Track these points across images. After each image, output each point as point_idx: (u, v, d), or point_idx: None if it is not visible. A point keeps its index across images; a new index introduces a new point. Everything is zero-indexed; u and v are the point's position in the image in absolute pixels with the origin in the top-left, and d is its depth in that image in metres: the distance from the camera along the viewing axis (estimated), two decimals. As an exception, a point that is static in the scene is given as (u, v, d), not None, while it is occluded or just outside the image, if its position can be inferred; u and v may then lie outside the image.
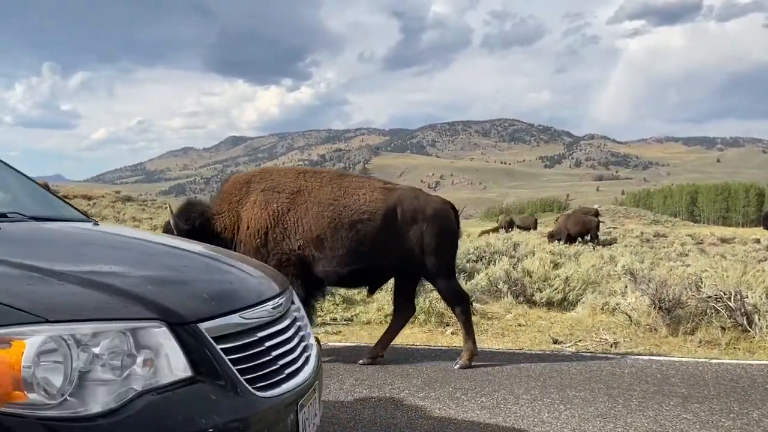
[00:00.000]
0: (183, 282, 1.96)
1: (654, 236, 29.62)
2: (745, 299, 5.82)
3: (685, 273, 8.89)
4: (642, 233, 30.92)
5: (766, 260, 18.71)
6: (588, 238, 23.43)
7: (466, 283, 7.90)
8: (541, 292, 8.03)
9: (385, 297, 7.16)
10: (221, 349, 1.70)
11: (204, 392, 1.63)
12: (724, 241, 28.00)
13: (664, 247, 22.80)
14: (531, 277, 8.54)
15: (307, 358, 2.07)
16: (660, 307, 6.18)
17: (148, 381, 1.56)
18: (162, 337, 1.61)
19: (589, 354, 5.10)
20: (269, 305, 1.98)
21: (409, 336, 5.94)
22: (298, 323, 2.14)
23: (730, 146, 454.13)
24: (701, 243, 26.93)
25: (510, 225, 37.17)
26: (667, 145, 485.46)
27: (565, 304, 7.97)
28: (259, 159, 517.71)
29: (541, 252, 12.79)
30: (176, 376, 1.61)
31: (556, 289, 8.23)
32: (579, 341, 5.77)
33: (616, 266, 11.07)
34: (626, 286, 7.77)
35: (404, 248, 4.64)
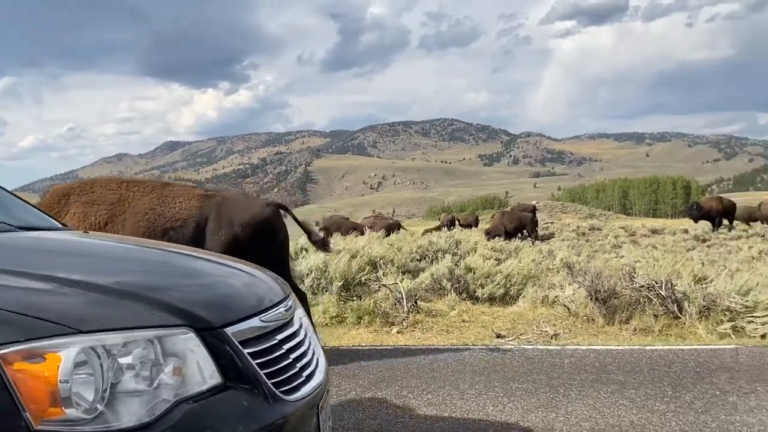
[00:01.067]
0: (203, 286, 1.90)
1: (589, 230, 30.69)
2: (675, 287, 6.09)
3: (619, 264, 9.26)
4: (578, 227, 31.99)
5: (693, 249, 19.69)
6: (525, 233, 24.02)
7: (410, 282, 7.95)
8: (484, 288, 8.17)
9: (330, 299, 7.12)
10: (248, 353, 1.66)
11: (237, 399, 1.58)
12: (654, 232, 29.29)
13: (599, 240, 23.63)
14: (473, 273, 8.68)
15: (318, 360, 2.04)
16: (596, 298, 6.40)
17: (179, 390, 1.49)
18: (191, 343, 1.55)
19: (530, 346, 5.23)
20: (282, 307, 1.96)
21: (356, 337, 5.93)
22: (305, 325, 2.12)
23: (658, 141, 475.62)
24: (634, 235, 28.08)
25: (452, 223, 37.69)
26: (599, 141, 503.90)
27: (507, 298, 8.13)
28: (198, 164, 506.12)
29: (483, 249, 13.03)
30: (207, 383, 1.55)
31: (498, 284, 8.39)
32: (521, 334, 5.90)
33: (554, 260, 11.42)
34: (564, 279, 8.02)
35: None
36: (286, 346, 1.85)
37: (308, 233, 5.76)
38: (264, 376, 1.66)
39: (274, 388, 1.67)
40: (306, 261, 8.50)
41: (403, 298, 6.94)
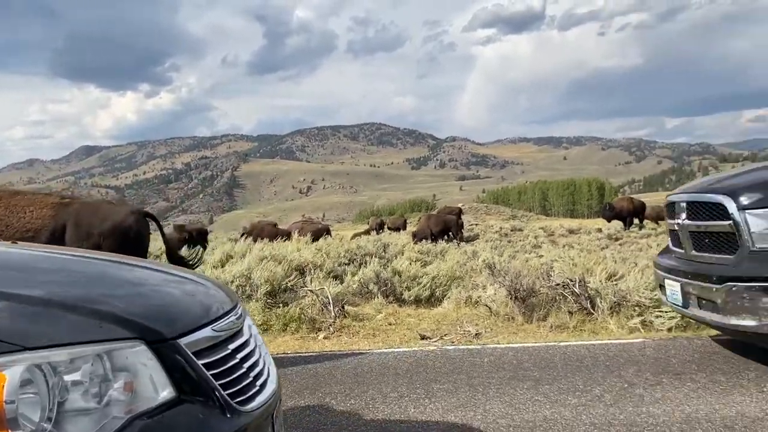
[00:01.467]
0: (151, 296, 1.82)
1: (511, 230, 31.69)
2: (588, 284, 6.39)
3: (538, 263, 9.61)
4: (501, 228, 32.97)
5: (607, 248, 20.71)
6: (451, 235, 24.50)
7: (337, 287, 7.93)
8: (410, 290, 8.28)
9: (255, 306, 7.00)
10: (202, 364, 1.61)
11: (193, 412, 1.52)
12: (571, 232, 30.60)
13: (520, 241, 24.44)
14: (400, 276, 8.77)
15: (270, 368, 2.00)
16: (516, 297, 6.62)
17: (131, 406, 1.42)
18: (142, 357, 1.48)
19: (452, 347, 5.33)
20: (232, 316, 1.91)
21: (282, 344, 5.86)
22: (255, 333, 2.07)
23: (574, 145, 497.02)
24: (552, 235, 29.22)
25: (380, 226, 37.94)
26: (520, 145, 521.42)
27: (432, 300, 8.26)
28: (116, 169, 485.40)
29: (410, 252, 13.18)
30: (161, 398, 1.48)
31: (424, 286, 8.52)
32: (445, 335, 6.01)
33: (478, 261, 11.69)
34: (486, 280, 8.24)
35: None
36: (239, 356, 1.81)
37: (168, 249, 5.55)
38: (219, 388, 1.63)
39: (230, 400, 1.64)
40: (230, 268, 8.34)
41: (330, 303, 6.92)
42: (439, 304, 7.98)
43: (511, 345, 5.20)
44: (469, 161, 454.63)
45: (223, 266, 9.21)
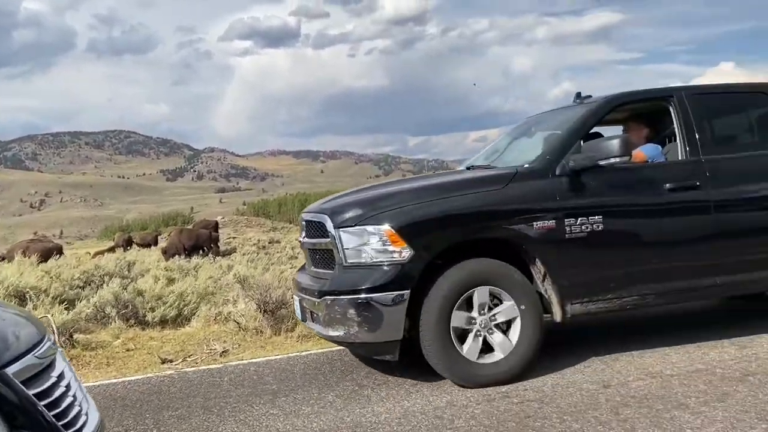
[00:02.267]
0: None
1: (269, 242, 31.81)
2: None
3: (291, 274, 9.76)
4: (259, 240, 32.88)
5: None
6: (206, 250, 23.71)
7: (67, 314, 7.07)
8: (155, 311, 7.75)
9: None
10: (33, 394, 1.55)
11: None
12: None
13: (277, 252, 24.63)
14: (143, 296, 8.17)
15: (88, 398, 1.93)
16: (265, 310, 6.61)
17: None
18: None
19: (192, 369, 5.12)
20: (48, 343, 1.86)
21: None
22: (67, 362, 1.97)
23: (330, 158, 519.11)
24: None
25: (128, 243, 35.01)
26: (280, 157, 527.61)
27: (180, 320, 7.85)
28: None
29: (157, 270, 12.39)
30: None
31: (170, 305, 8.05)
32: (189, 356, 5.75)
33: (231, 275, 11.46)
34: (237, 294, 8.10)
35: None
36: (63, 384, 1.75)
37: None
38: (52, 418, 1.57)
39: (64, 430, 1.60)
40: None
41: (54, 333, 6.14)
42: (187, 324, 7.62)
43: (254, 360, 5.17)
44: (229, 173, 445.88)
45: None
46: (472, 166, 5.24)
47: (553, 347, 4.91)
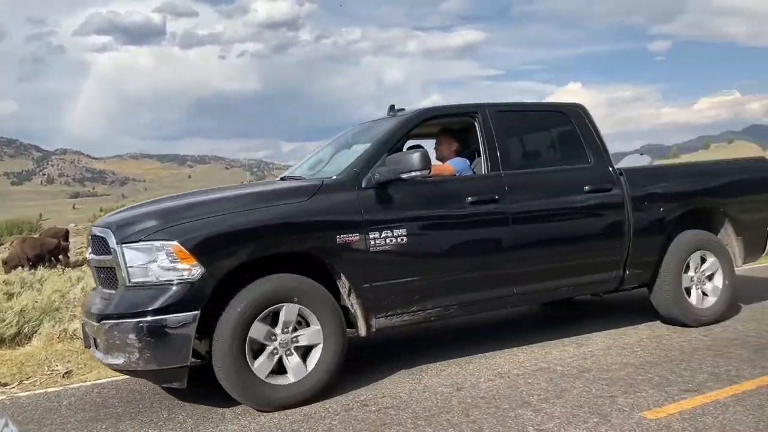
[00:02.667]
0: None
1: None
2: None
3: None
4: (118, 250, 30.67)
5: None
6: (54, 260, 21.75)
7: None
8: (-13, 331, 6.97)
9: None
10: None
11: None
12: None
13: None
14: (-25, 314, 7.32)
15: None
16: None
17: None
18: None
19: (26, 393, 4.62)
20: None
21: None
22: None
23: (198, 163, 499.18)
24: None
25: (-38, 254, 31.21)
26: (142, 161, 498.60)
27: (19, 338, 7.12)
28: None
29: (-7, 283, 11.17)
30: None
31: (7, 323, 7.28)
32: (27, 378, 5.21)
33: (77, 288, 10.60)
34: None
35: None
36: None
37: None
38: None
39: None
40: None
41: None
42: (28, 343, 6.92)
43: (98, 381, 4.78)
44: (84, 177, 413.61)
45: None
46: (286, 177, 5.12)
47: (412, 350, 5.06)
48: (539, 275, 4.75)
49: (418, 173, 4.10)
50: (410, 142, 5.61)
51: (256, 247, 3.78)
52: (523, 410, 3.56)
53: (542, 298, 5.14)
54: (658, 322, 5.47)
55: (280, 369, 3.81)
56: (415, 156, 4.08)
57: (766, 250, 5.83)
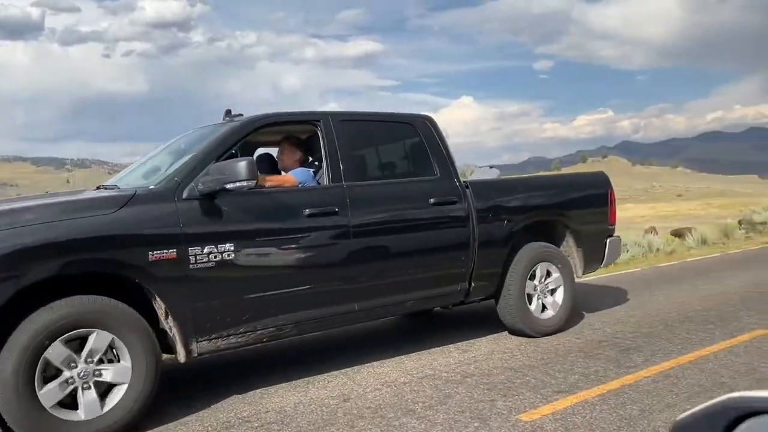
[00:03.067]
0: None
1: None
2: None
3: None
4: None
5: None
6: None
7: None
8: None
9: None
10: None
11: None
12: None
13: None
14: None
15: None
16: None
17: None
18: None
19: None
20: None
21: None
22: None
23: (78, 167, 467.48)
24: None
25: None
26: (15, 164, 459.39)
27: None
28: None
29: None
30: None
31: None
32: None
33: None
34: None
35: None
36: None
37: None
38: None
39: None
40: None
41: None
42: None
43: None
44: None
45: None
46: (102, 186, 4.64)
47: (299, 361, 4.97)
48: (382, 290, 4.58)
49: (244, 183, 3.75)
50: (260, 150, 5.36)
51: (44, 268, 3.26)
52: (407, 418, 3.57)
53: (387, 313, 4.92)
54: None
55: (72, 403, 3.36)
56: (241, 165, 3.74)
57: (603, 262, 6.03)
